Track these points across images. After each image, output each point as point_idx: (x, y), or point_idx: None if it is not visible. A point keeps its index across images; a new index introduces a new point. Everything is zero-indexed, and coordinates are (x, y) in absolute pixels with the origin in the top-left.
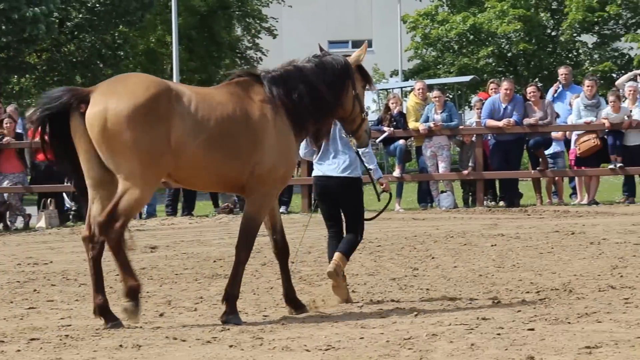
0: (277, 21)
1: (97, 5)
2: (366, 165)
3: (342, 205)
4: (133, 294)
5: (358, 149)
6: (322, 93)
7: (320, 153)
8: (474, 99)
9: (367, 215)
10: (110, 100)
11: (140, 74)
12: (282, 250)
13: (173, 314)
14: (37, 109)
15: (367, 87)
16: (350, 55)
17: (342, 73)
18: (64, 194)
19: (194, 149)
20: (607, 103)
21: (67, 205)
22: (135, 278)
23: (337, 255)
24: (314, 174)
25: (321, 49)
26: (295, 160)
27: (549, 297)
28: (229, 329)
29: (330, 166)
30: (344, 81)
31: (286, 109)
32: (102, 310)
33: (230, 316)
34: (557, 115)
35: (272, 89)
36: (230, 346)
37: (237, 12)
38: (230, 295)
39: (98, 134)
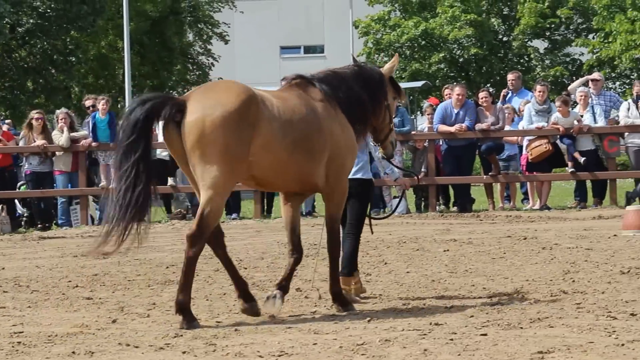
0: (229, 27)
1: (49, 10)
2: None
3: (348, 205)
4: (179, 307)
5: (383, 158)
6: (363, 98)
7: None
8: (425, 104)
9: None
10: (207, 108)
11: (227, 81)
12: (298, 253)
13: (126, 320)
14: (139, 105)
15: (396, 99)
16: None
17: (378, 82)
18: (16, 200)
19: (281, 150)
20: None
21: (19, 212)
22: (189, 294)
23: (344, 281)
24: None
25: (354, 59)
26: (357, 151)
27: (502, 302)
28: (182, 335)
29: None
30: (380, 90)
31: (340, 106)
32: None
33: (346, 307)
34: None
35: (324, 88)
36: (184, 352)
37: (188, 18)
38: (336, 292)
39: (195, 140)
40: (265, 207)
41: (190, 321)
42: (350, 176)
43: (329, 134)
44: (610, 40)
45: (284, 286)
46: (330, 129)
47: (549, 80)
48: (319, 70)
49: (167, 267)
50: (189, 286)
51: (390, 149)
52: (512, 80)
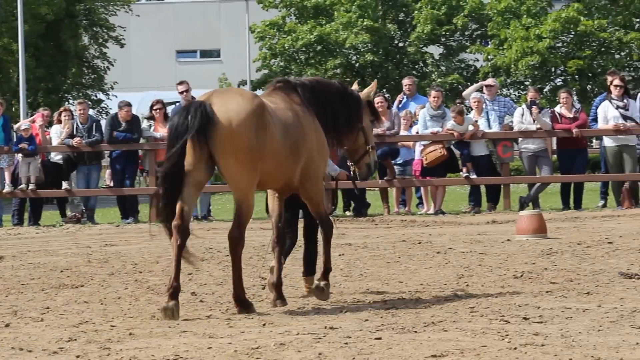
0: (124, 30)
1: None
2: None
3: (303, 211)
4: (236, 299)
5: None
6: (339, 112)
7: None
8: None
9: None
10: (231, 113)
11: (236, 88)
12: (280, 242)
13: (19, 325)
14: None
15: (374, 122)
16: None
17: (356, 104)
18: None
19: (281, 154)
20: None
21: None
22: (242, 286)
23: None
24: None
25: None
26: (328, 154)
27: (396, 306)
28: (75, 340)
29: None
30: (356, 112)
31: (317, 114)
32: (176, 293)
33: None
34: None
35: (306, 94)
36: (77, 357)
37: (84, 21)
38: (327, 269)
39: (226, 143)
40: None
41: (248, 307)
42: None
43: (308, 137)
44: (505, 47)
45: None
46: (309, 133)
47: (445, 87)
48: (307, 77)
49: (62, 271)
50: (240, 279)
51: (364, 170)
52: (408, 85)
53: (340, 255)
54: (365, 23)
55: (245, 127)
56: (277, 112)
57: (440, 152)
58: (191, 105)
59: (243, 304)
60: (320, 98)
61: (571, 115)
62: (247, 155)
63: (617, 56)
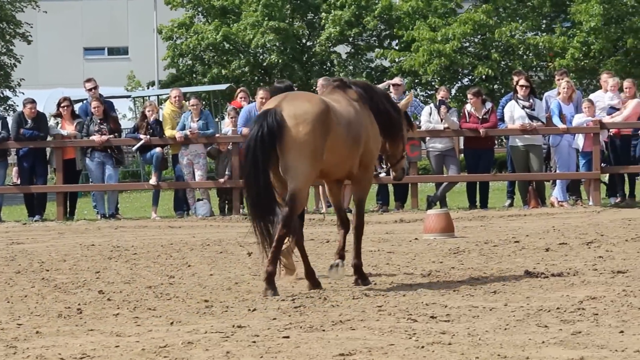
0: (31, 27)
1: None
2: None
3: None
4: (268, 276)
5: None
6: (391, 115)
7: None
8: (228, 107)
9: None
10: (299, 119)
11: (306, 93)
12: (345, 224)
13: None
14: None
15: (409, 131)
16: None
17: (399, 111)
18: None
19: (345, 148)
20: None
21: None
22: (276, 267)
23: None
24: None
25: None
26: (380, 144)
27: (304, 305)
28: None
29: None
30: (399, 120)
31: (370, 109)
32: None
33: (365, 281)
34: None
35: (359, 90)
36: None
37: None
38: (357, 266)
39: (292, 143)
40: (68, 210)
41: (273, 289)
42: None
43: (365, 130)
44: (412, 49)
45: (342, 255)
46: (365, 125)
47: None
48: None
49: None
50: (277, 259)
51: (400, 174)
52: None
53: (248, 254)
54: (271, 24)
55: (309, 132)
56: (341, 110)
57: None
58: (267, 114)
59: (271, 284)
60: (373, 97)
61: (480, 116)
62: (310, 156)
63: (524, 57)
